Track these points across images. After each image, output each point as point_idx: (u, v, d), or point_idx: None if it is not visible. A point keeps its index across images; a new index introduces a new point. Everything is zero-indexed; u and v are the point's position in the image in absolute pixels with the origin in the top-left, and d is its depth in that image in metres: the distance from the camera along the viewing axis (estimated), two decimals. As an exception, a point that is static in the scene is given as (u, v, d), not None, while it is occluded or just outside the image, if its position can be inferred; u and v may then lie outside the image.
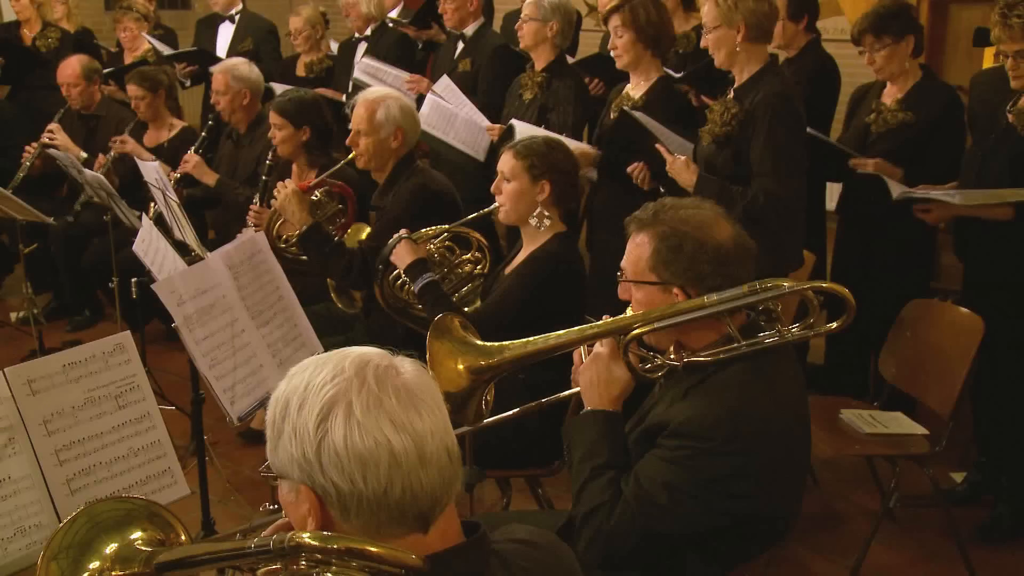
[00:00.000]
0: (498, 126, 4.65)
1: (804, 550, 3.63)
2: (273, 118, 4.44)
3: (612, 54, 4.22)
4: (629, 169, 3.89)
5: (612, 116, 4.22)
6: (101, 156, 5.48)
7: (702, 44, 3.69)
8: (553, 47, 4.70)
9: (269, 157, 4.58)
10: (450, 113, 4.82)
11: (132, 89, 5.49)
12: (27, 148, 5.66)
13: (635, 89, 4.19)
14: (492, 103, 4.98)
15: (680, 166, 3.60)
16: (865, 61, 4.01)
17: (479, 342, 2.25)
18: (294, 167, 4.56)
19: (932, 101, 3.94)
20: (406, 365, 1.40)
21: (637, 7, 4.05)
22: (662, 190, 3.72)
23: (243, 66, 5.15)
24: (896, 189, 3.70)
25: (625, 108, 3.85)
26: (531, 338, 2.24)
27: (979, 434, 3.92)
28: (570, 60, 5.13)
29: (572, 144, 4.00)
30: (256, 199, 4.55)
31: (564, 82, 4.65)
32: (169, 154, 5.41)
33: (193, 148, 5.19)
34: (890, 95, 4.02)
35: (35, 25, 6.91)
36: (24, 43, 6.84)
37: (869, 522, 3.54)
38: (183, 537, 1.62)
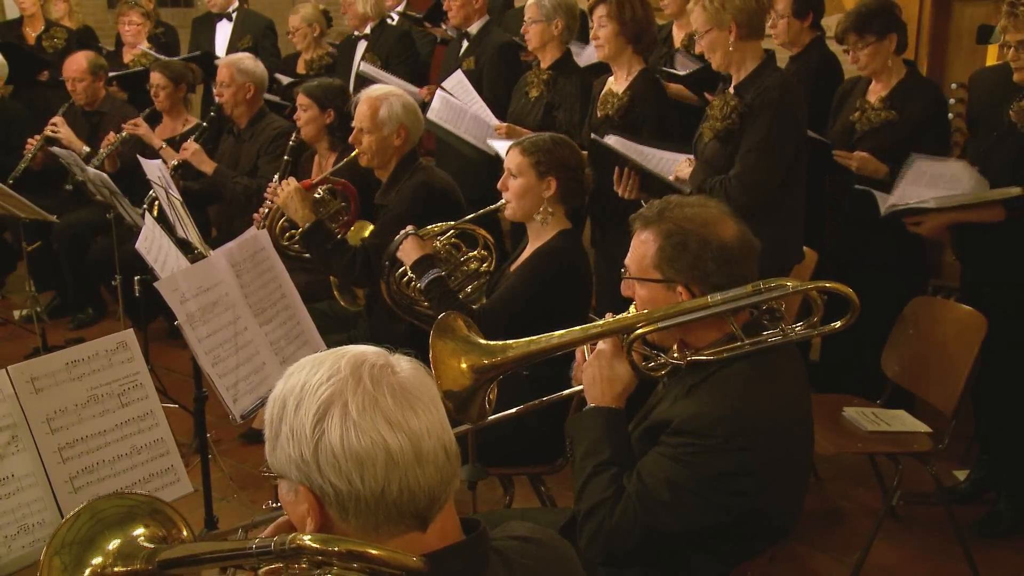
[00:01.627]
0: (506, 124, 4.65)
1: (806, 548, 3.63)
2: (300, 100, 4.55)
3: (593, 44, 4.23)
4: (616, 178, 3.80)
5: (600, 114, 4.23)
6: (112, 134, 5.49)
7: (696, 50, 3.69)
8: (560, 45, 4.70)
9: (292, 139, 4.66)
10: (459, 110, 4.82)
11: (155, 77, 5.52)
12: (29, 141, 5.68)
13: (617, 84, 4.20)
14: (496, 101, 4.98)
15: (683, 165, 3.61)
16: (850, 59, 4.03)
17: (483, 341, 2.24)
18: (316, 159, 4.63)
19: (916, 99, 3.95)
20: (402, 364, 1.40)
21: (623, 1, 4.05)
22: (644, 203, 3.70)
23: (248, 60, 5.19)
24: (883, 204, 3.71)
25: (594, 137, 3.82)
26: (534, 337, 2.24)
27: (980, 431, 3.92)
28: (580, 51, 5.09)
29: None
30: (276, 178, 4.57)
31: (570, 79, 4.65)
32: (179, 148, 5.42)
33: (193, 137, 5.21)
34: (875, 93, 4.04)
35: (38, 24, 6.91)
36: (28, 42, 6.85)
37: (871, 520, 3.54)
38: (185, 533, 1.62)
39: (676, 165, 3.75)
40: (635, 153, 3.80)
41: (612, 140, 3.83)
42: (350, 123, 4.47)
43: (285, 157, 4.69)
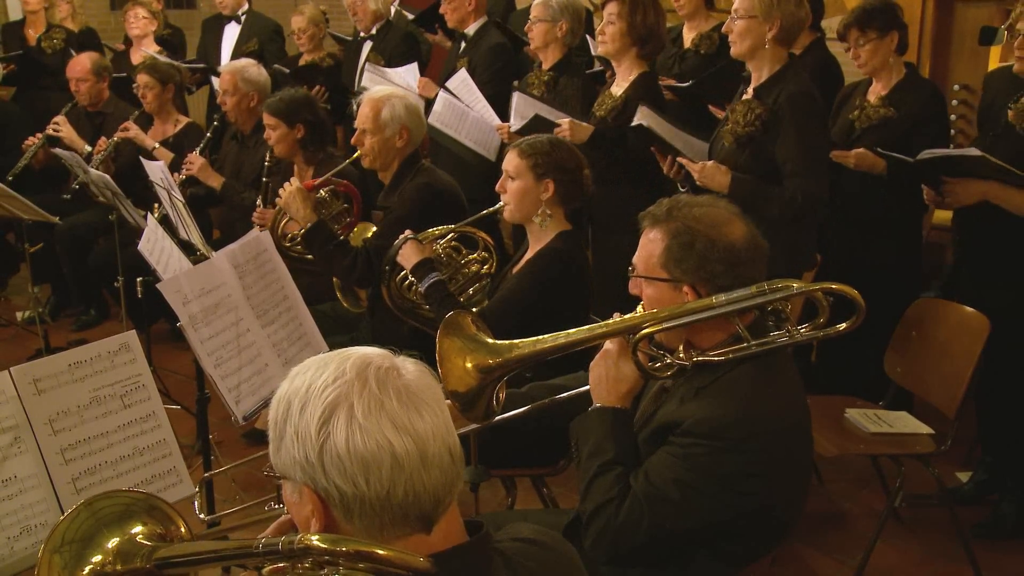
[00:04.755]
0: (507, 124, 4.64)
1: (809, 549, 3.63)
2: (266, 119, 4.45)
3: (598, 39, 4.22)
4: (660, 157, 3.79)
5: (598, 114, 4.22)
6: (103, 139, 5.49)
7: (724, 28, 3.59)
8: (562, 46, 4.70)
9: (267, 158, 4.59)
10: (461, 111, 4.81)
11: (142, 78, 5.50)
12: (30, 139, 5.68)
13: (617, 86, 4.19)
14: (489, 101, 4.96)
15: (711, 170, 3.52)
16: (850, 56, 4.03)
17: (490, 340, 2.23)
18: (295, 169, 4.57)
19: (914, 97, 3.96)
20: (408, 366, 1.40)
21: (638, 4, 4.04)
22: (682, 188, 3.68)
23: (252, 68, 5.14)
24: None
25: (643, 123, 3.77)
26: (541, 336, 2.24)
27: (983, 433, 3.91)
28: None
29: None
30: (259, 201, 4.56)
31: (572, 80, 4.65)
32: (173, 149, 5.42)
33: (198, 150, 5.19)
34: (875, 92, 4.05)
35: (40, 25, 6.92)
36: (29, 43, 6.86)
37: (874, 521, 3.54)
38: (183, 530, 1.62)
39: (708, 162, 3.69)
40: (667, 133, 3.76)
41: (645, 116, 3.78)
42: (322, 133, 4.46)
43: (264, 179, 4.58)
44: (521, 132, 4.29)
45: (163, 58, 6.33)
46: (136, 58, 6.60)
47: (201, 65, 6.58)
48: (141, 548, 1.55)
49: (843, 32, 4.00)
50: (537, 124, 4.19)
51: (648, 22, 4.06)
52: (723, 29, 3.62)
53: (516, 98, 4.44)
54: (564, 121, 4.11)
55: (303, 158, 4.50)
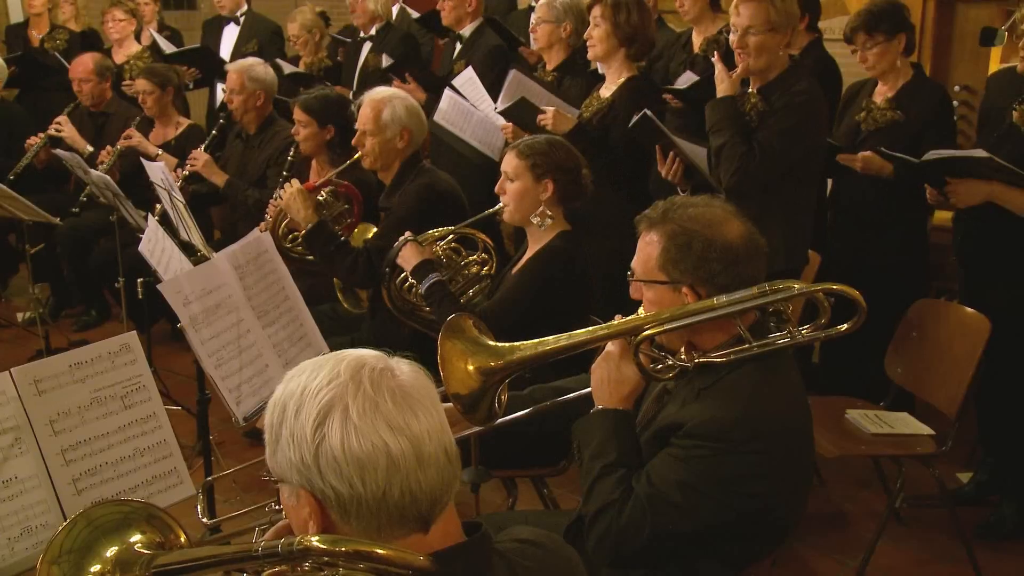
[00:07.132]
0: (512, 125, 4.64)
1: (810, 550, 3.63)
2: (298, 115, 4.44)
3: (587, 43, 4.22)
4: (659, 159, 3.76)
5: (585, 115, 4.22)
6: (108, 148, 5.51)
7: (734, 46, 3.50)
8: (566, 47, 4.70)
9: (291, 154, 4.58)
10: (467, 111, 4.81)
11: (141, 84, 5.52)
12: (32, 139, 5.69)
13: (606, 89, 4.19)
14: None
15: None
16: (858, 59, 4.01)
17: (491, 342, 2.23)
18: (313, 164, 4.57)
19: (922, 100, 3.95)
20: (402, 367, 1.40)
21: (621, 5, 4.04)
22: (681, 192, 3.67)
23: (259, 67, 5.13)
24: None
25: (648, 113, 3.75)
26: (543, 339, 2.24)
27: (984, 434, 3.91)
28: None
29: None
30: (276, 195, 4.55)
31: (575, 81, 4.64)
32: (175, 152, 5.43)
33: (203, 146, 5.19)
34: (881, 94, 4.03)
35: (44, 26, 6.93)
36: (32, 44, 6.87)
37: (875, 522, 3.54)
38: (182, 539, 1.62)
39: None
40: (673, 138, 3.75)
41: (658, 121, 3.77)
42: (351, 136, 4.45)
43: (284, 173, 4.58)
44: (505, 114, 4.32)
45: (161, 39, 6.33)
46: (119, 58, 6.59)
47: (196, 46, 6.55)
48: (140, 557, 1.54)
49: (850, 35, 3.97)
50: (521, 108, 4.21)
51: (632, 22, 4.05)
52: (733, 45, 3.52)
53: (511, 76, 4.44)
54: (549, 110, 4.13)
55: (327, 159, 4.50)
